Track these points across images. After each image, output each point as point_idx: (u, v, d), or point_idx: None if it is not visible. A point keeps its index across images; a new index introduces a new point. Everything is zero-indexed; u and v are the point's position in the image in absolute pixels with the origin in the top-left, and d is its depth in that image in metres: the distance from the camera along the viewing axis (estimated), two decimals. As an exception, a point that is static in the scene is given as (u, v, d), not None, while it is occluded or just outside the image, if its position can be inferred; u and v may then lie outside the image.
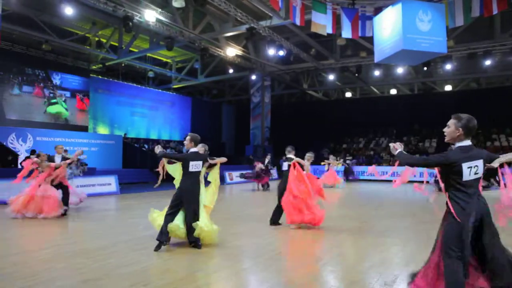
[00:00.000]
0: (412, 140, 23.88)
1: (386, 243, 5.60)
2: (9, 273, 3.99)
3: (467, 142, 2.86)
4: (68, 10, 12.53)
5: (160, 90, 25.89)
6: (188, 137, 5.35)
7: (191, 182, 5.17)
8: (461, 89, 23.88)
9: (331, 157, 17.54)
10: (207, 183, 5.60)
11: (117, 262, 4.47)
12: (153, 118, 24.78)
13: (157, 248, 4.92)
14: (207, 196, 5.42)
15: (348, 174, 19.39)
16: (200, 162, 5.25)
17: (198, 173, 5.26)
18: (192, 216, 5.06)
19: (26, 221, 7.33)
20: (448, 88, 24.10)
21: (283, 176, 6.95)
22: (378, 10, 10.92)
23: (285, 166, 6.93)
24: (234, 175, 18.57)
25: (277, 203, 6.83)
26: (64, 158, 8.12)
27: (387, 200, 11.81)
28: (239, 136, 29.26)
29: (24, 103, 17.94)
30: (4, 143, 14.11)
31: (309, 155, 7.20)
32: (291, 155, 6.90)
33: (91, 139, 18.22)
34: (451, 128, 2.89)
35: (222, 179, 17.24)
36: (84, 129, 19.97)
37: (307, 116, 27.26)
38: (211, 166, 5.61)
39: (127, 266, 4.31)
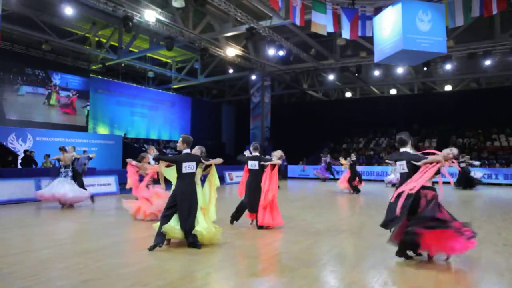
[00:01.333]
0: (412, 140, 23.83)
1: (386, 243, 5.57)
2: (9, 273, 3.99)
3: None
4: (68, 10, 12.53)
5: (160, 90, 25.88)
6: (180, 139, 5.33)
7: (185, 184, 5.14)
8: (461, 89, 23.84)
9: (353, 155, 14.76)
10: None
11: (117, 262, 4.47)
12: (153, 118, 24.77)
13: (152, 248, 4.90)
14: (202, 197, 5.36)
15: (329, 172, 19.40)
16: (194, 163, 5.21)
17: (193, 174, 5.23)
18: (187, 217, 5.02)
19: (26, 221, 7.33)
20: (448, 88, 24.06)
21: (254, 174, 6.79)
22: (378, 10, 10.91)
23: (255, 165, 6.79)
24: (234, 175, 18.55)
25: (247, 199, 6.77)
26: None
27: (386, 200, 11.79)
28: (239, 136, 29.25)
29: (24, 103, 17.94)
30: (4, 143, 14.10)
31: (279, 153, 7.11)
32: (257, 153, 6.89)
33: (91, 139, 18.21)
34: None
35: (222, 179, 17.21)
36: (84, 129, 19.98)
37: (307, 116, 27.26)
38: (207, 167, 5.57)
39: (127, 266, 4.31)
